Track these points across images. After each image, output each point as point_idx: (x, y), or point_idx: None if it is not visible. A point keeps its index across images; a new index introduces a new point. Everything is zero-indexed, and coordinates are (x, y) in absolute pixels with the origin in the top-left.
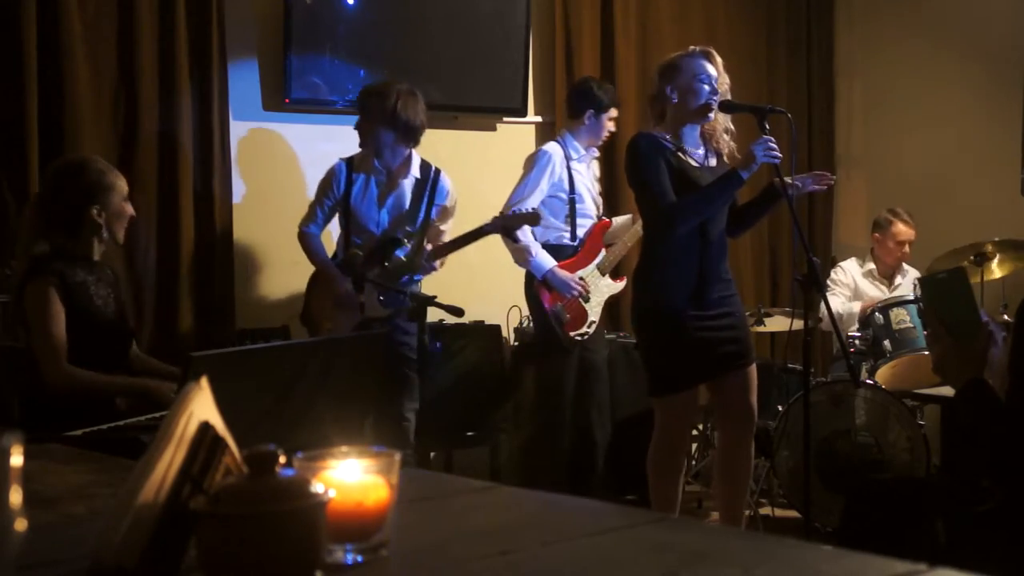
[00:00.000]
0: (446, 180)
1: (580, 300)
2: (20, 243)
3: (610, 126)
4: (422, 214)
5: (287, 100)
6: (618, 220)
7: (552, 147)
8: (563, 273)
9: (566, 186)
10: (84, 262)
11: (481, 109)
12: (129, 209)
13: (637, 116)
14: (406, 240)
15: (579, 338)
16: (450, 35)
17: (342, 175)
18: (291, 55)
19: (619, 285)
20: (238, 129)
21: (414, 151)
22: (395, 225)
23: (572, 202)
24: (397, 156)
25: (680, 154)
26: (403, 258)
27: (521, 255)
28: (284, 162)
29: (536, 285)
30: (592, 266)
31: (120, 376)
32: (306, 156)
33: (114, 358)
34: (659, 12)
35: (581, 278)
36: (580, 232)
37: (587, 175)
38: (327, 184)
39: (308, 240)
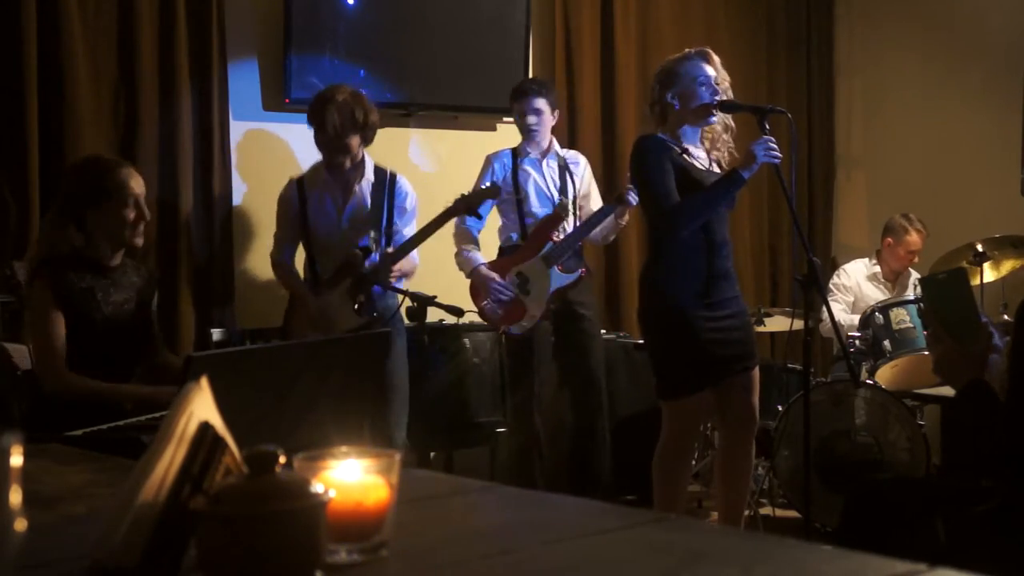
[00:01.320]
0: (404, 182)
1: (515, 296)
2: (40, 242)
3: (526, 121)
4: (384, 218)
5: (287, 100)
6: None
7: (496, 153)
8: (484, 273)
9: (511, 186)
10: (96, 266)
11: (481, 109)
12: (128, 215)
13: (637, 117)
14: (373, 246)
15: (517, 331)
16: (450, 35)
17: (294, 196)
18: (291, 55)
19: (568, 277)
20: (238, 129)
21: (367, 156)
22: (356, 230)
23: (518, 202)
24: (355, 160)
25: (685, 155)
26: (369, 267)
27: (456, 259)
28: (284, 162)
29: (469, 284)
30: (535, 259)
31: (121, 384)
32: (306, 156)
33: (123, 365)
34: (659, 12)
35: (519, 272)
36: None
37: (539, 174)
38: (281, 208)
39: (284, 270)
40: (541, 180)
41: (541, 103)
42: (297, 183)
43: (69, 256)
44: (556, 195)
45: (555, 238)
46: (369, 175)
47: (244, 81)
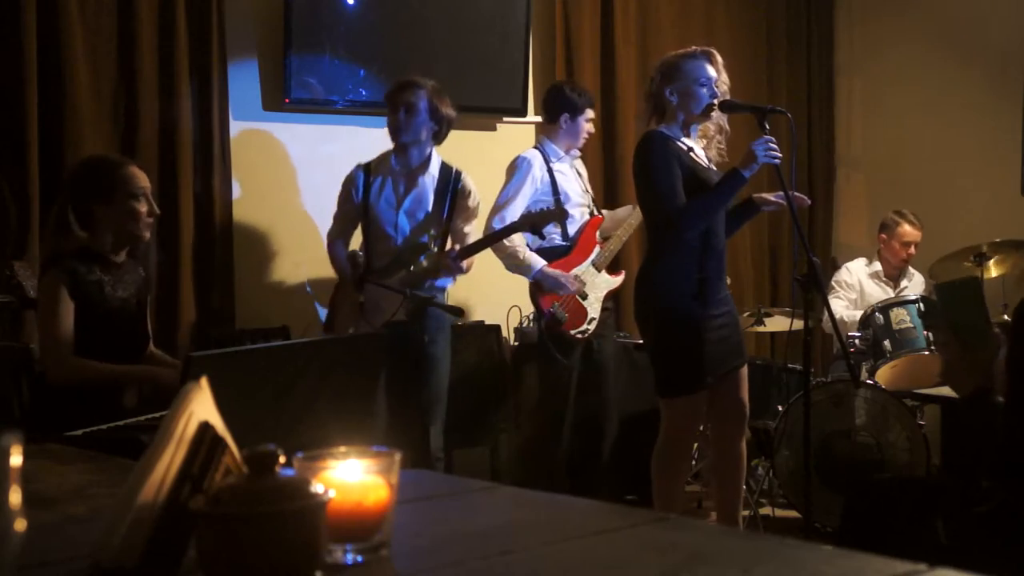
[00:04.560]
0: (468, 181)
1: (578, 297)
2: (44, 241)
3: (588, 127)
4: (445, 216)
5: (287, 100)
6: (617, 212)
7: (530, 153)
8: (552, 271)
9: (549, 189)
10: (102, 260)
11: (481, 109)
12: (140, 207)
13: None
14: (432, 244)
15: (579, 335)
16: (450, 35)
17: (360, 180)
18: (291, 55)
19: (617, 280)
20: (238, 129)
21: (435, 152)
22: (417, 229)
23: (558, 204)
24: (423, 153)
25: (691, 153)
26: (424, 263)
27: (512, 260)
28: (284, 162)
29: (531, 287)
30: (587, 263)
31: (122, 365)
32: (306, 156)
33: (127, 358)
34: (659, 12)
35: (576, 276)
36: (571, 231)
37: (571, 175)
38: (345, 192)
39: (331, 250)
40: (574, 182)
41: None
42: (364, 168)
43: (78, 251)
44: (586, 195)
45: (599, 240)
46: (434, 171)
47: (244, 81)
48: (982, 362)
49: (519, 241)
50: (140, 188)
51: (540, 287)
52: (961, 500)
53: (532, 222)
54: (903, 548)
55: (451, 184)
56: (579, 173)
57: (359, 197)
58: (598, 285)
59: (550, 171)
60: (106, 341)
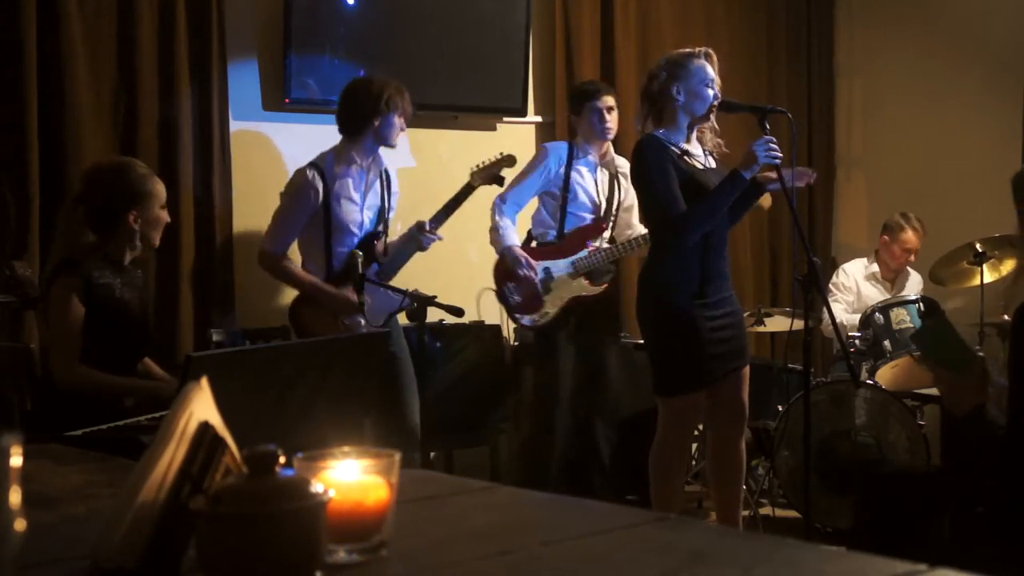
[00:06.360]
0: (392, 172)
1: (537, 287)
2: (56, 240)
3: (594, 119)
4: (386, 204)
5: (287, 100)
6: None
7: (554, 144)
8: (518, 252)
9: (561, 184)
10: (113, 264)
11: (481, 109)
12: (164, 216)
13: None
14: (383, 235)
15: (526, 322)
16: (450, 35)
17: (318, 182)
18: (291, 55)
19: (592, 289)
20: (238, 129)
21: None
22: (370, 219)
23: (564, 200)
24: (375, 151)
25: (686, 157)
26: (381, 252)
27: (492, 233)
28: (284, 162)
29: (496, 263)
30: (566, 262)
31: (130, 378)
32: (306, 156)
33: (132, 361)
34: (659, 12)
35: (546, 268)
36: (567, 231)
37: (592, 178)
38: (301, 197)
39: (284, 262)
40: (592, 184)
41: (614, 100)
42: (316, 169)
43: (91, 253)
44: (603, 202)
45: (590, 246)
46: (383, 166)
47: (244, 81)
48: (974, 383)
49: (508, 222)
50: (163, 197)
51: (503, 262)
52: (963, 498)
53: (487, 174)
54: (912, 544)
55: (383, 172)
56: (615, 182)
57: (318, 202)
58: (567, 285)
59: (569, 167)
60: (113, 344)
